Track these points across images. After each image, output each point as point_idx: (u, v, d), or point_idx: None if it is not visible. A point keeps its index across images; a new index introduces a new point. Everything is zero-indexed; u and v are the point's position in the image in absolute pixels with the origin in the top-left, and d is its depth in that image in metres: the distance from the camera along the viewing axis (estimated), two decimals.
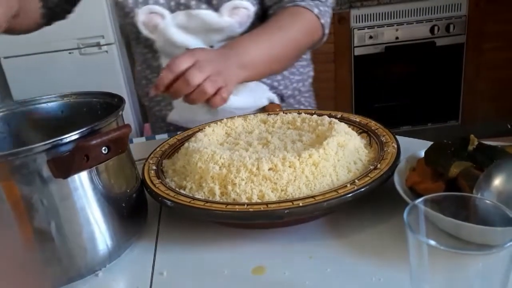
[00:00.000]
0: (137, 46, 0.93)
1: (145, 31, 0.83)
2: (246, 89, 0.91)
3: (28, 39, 2.39)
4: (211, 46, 0.83)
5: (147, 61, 0.93)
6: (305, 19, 0.79)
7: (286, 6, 0.80)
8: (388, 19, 2.35)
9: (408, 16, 2.34)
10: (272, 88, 0.94)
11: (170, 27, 0.82)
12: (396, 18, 2.35)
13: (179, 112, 0.94)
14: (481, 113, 2.54)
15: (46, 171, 0.45)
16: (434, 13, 2.34)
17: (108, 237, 0.52)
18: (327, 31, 0.83)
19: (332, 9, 0.85)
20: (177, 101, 0.93)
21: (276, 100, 0.95)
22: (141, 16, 0.82)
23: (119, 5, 0.83)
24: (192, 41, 0.83)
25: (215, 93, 0.64)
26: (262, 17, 0.86)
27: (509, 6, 2.34)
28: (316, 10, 0.80)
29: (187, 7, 0.81)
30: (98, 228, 0.51)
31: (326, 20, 0.82)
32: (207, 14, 0.81)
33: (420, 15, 2.34)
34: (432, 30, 2.35)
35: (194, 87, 0.62)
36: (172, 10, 0.82)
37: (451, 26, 2.34)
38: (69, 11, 0.95)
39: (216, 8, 0.81)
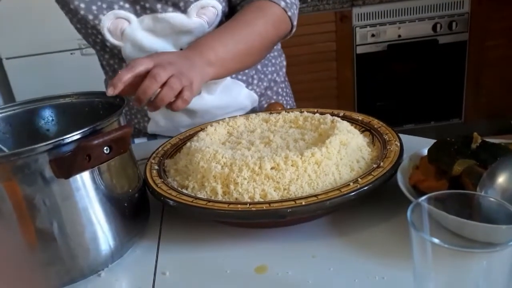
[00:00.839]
0: (103, 56, 0.89)
1: (111, 38, 0.80)
2: (222, 88, 0.89)
3: (30, 40, 2.40)
4: (181, 49, 0.80)
5: (115, 72, 0.89)
6: (271, 12, 0.78)
7: (252, 1, 0.79)
8: (390, 17, 2.34)
9: (410, 14, 2.33)
10: (248, 84, 0.92)
11: (137, 31, 0.79)
12: (398, 16, 2.34)
13: (155, 122, 0.92)
14: (484, 111, 2.53)
15: (48, 171, 0.45)
16: (436, 11, 2.33)
17: (111, 237, 0.52)
18: (295, 22, 0.82)
19: (298, 1, 0.84)
20: (152, 112, 0.90)
21: (254, 95, 0.94)
22: (107, 22, 0.78)
23: (82, 15, 0.78)
24: (161, 44, 0.80)
25: (177, 96, 0.61)
26: (230, 15, 0.84)
27: (511, 3, 2.32)
28: (282, 3, 0.79)
29: (153, 11, 0.78)
30: (101, 228, 0.51)
31: (294, 12, 0.81)
32: (174, 16, 0.78)
33: (422, 13, 2.33)
34: (434, 28, 2.34)
35: (161, 83, 0.58)
36: (138, 15, 0.79)
37: (454, 24, 2.33)
38: None
39: (183, 10, 0.78)
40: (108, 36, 0.80)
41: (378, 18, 2.34)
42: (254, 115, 0.76)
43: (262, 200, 0.53)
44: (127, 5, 0.78)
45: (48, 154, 0.45)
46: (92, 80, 2.28)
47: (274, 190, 0.54)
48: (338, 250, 0.51)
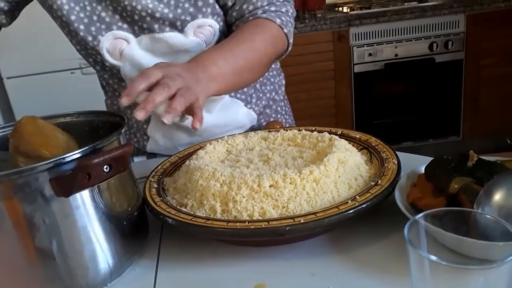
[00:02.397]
0: (103, 76, 0.90)
1: (110, 59, 0.81)
2: (220, 106, 0.89)
3: (30, 59, 2.41)
4: None
5: (116, 91, 0.90)
6: (268, 29, 0.79)
7: (248, 20, 0.80)
8: (387, 36, 2.37)
9: (406, 34, 2.37)
10: (246, 103, 0.93)
11: (136, 51, 0.80)
12: (395, 35, 2.37)
13: (155, 141, 0.93)
14: (482, 129, 2.55)
15: (48, 190, 0.46)
16: (432, 30, 2.36)
17: (110, 256, 0.52)
18: (291, 40, 0.83)
19: (293, 19, 0.85)
20: (151, 130, 0.91)
21: (253, 114, 0.94)
22: (105, 43, 0.79)
23: (81, 36, 0.79)
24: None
25: (188, 112, 0.61)
26: (228, 34, 0.85)
27: (505, 23, 2.36)
28: (278, 21, 0.79)
29: (150, 31, 0.79)
30: (100, 247, 0.51)
31: (289, 30, 0.81)
32: (171, 36, 0.79)
33: (418, 32, 2.37)
34: (431, 47, 2.37)
35: (171, 94, 0.57)
36: (136, 35, 0.80)
37: (450, 43, 2.36)
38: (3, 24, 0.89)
39: (180, 30, 0.79)
40: (107, 56, 0.81)
41: (375, 37, 2.37)
42: (253, 133, 0.76)
43: (261, 218, 0.53)
44: (125, 26, 0.79)
45: (48, 172, 0.45)
46: (93, 99, 2.29)
47: (273, 208, 0.54)
48: (337, 268, 0.51)
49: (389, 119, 2.54)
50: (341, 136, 0.71)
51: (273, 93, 0.98)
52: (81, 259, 0.50)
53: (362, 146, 0.69)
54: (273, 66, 0.98)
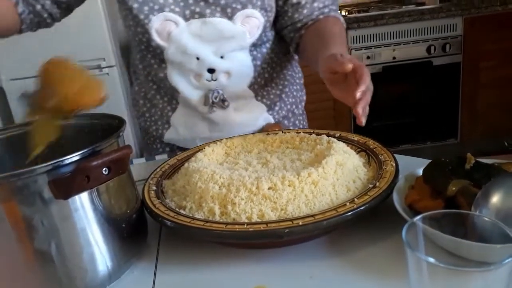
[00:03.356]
0: (143, 59, 0.93)
1: (157, 39, 0.85)
2: (247, 107, 0.93)
3: (29, 61, 2.40)
4: (221, 57, 0.86)
5: (151, 73, 0.93)
6: (341, 25, 0.89)
7: (319, 18, 0.88)
8: (385, 39, 2.38)
9: (404, 37, 2.38)
10: (269, 109, 0.96)
11: (183, 34, 0.84)
12: (393, 38, 2.38)
13: (176, 130, 0.95)
14: (479, 131, 2.55)
15: (47, 192, 0.46)
16: (430, 33, 2.37)
17: (108, 258, 0.52)
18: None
19: None
20: (175, 119, 0.94)
21: (272, 120, 0.97)
22: (156, 23, 0.83)
23: (133, 13, 0.84)
24: (204, 49, 0.85)
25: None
26: (276, 32, 0.92)
27: (503, 26, 2.37)
28: (342, 19, 0.90)
29: (202, 15, 0.83)
30: (98, 249, 0.51)
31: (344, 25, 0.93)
32: (221, 21, 0.84)
33: (416, 35, 2.37)
34: (428, 50, 2.38)
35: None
36: (186, 19, 0.84)
37: (447, 46, 2.37)
38: (57, 18, 0.95)
39: (230, 17, 0.84)
40: (155, 36, 0.84)
41: (373, 40, 2.38)
42: (251, 135, 0.77)
43: (260, 220, 0.53)
44: (177, 9, 0.83)
45: (47, 175, 0.45)
46: None
47: (272, 210, 0.54)
48: (335, 270, 0.51)
49: (387, 122, 2.55)
50: (339, 138, 0.71)
51: (294, 106, 1.01)
52: (79, 261, 0.50)
53: (360, 148, 0.69)
54: (297, 81, 1.04)
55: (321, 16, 0.88)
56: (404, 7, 2.44)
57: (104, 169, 0.47)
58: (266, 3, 0.85)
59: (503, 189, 0.48)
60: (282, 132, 0.76)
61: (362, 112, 0.63)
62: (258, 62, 0.92)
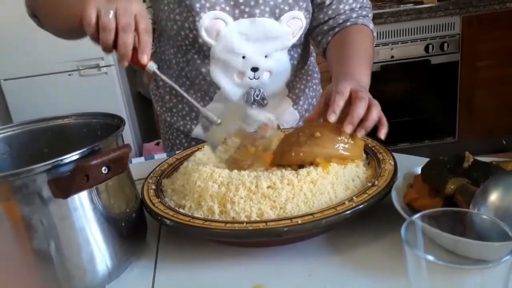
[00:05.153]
0: (181, 54, 0.93)
1: (206, 36, 0.86)
2: (274, 102, 0.95)
3: (27, 61, 2.41)
4: (266, 56, 0.88)
5: (187, 68, 0.93)
6: (368, 34, 0.91)
7: (347, 25, 0.90)
8: (383, 38, 2.38)
9: (402, 35, 2.38)
10: (294, 103, 0.99)
11: (232, 32, 0.86)
12: (391, 37, 2.38)
13: (205, 127, 0.97)
14: (477, 130, 2.56)
15: (46, 191, 0.46)
16: (428, 32, 2.37)
17: (108, 257, 0.52)
18: (375, 41, 0.95)
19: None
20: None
21: (297, 115, 0.99)
22: (206, 20, 0.84)
23: (184, 8, 0.84)
24: (249, 48, 0.87)
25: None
26: (308, 34, 0.95)
27: (500, 25, 2.38)
28: (371, 26, 0.92)
29: (251, 15, 0.85)
30: (98, 248, 0.51)
31: (375, 34, 0.95)
32: (269, 22, 0.86)
33: (414, 34, 2.38)
34: (426, 48, 2.38)
35: (369, 101, 0.65)
36: (235, 18, 0.86)
37: (445, 45, 2.37)
38: None
39: (277, 17, 0.86)
40: (203, 34, 0.85)
41: None
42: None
43: (259, 219, 0.53)
44: (227, 8, 0.85)
45: (46, 174, 0.45)
46: (90, 101, 2.30)
47: (271, 209, 0.54)
48: (334, 268, 0.51)
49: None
50: None
51: (314, 100, 1.04)
52: (79, 260, 0.50)
53: None
54: (315, 75, 1.07)
55: (348, 23, 0.89)
56: (402, 6, 2.44)
57: (103, 168, 0.47)
58: (309, 5, 0.88)
59: (501, 187, 0.48)
60: (281, 131, 0.76)
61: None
62: (295, 62, 0.95)
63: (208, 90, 0.92)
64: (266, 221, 0.52)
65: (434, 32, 2.37)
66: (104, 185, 0.51)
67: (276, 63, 0.90)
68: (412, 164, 0.62)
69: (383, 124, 0.66)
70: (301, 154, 0.60)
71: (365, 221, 0.57)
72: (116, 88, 2.37)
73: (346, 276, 0.50)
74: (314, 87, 1.05)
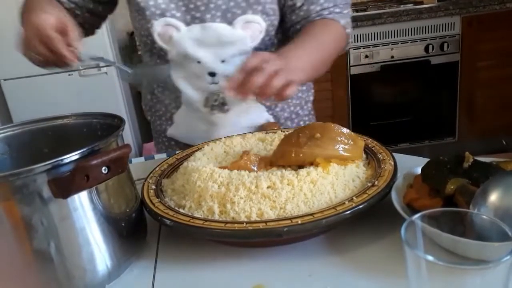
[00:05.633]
0: (150, 58, 0.95)
1: (160, 42, 0.87)
2: (245, 108, 0.93)
3: (27, 61, 2.39)
4: (223, 61, 0.86)
5: None
6: (334, 28, 0.87)
7: (315, 20, 0.86)
8: (383, 38, 2.38)
9: (402, 36, 2.38)
10: (269, 109, 0.96)
11: (184, 39, 0.85)
12: (391, 37, 2.38)
13: (178, 126, 0.97)
14: (477, 130, 2.56)
15: (46, 191, 0.46)
16: (428, 32, 2.37)
17: (108, 257, 0.52)
18: (350, 40, 0.92)
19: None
20: (177, 117, 0.96)
21: (273, 121, 0.96)
22: (157, 27, 0.85)
23: (138, 15, 0.86)
24: (204, 54, 0.86)
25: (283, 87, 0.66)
26: (283, 34, 0.92)
27: (500, 25, 2.38)
28: (342, 21, 0.88)
29: (202, 20, 0.85)
30: (98, 248, 0.51)
31: (350, 30, 0.90)
32: (221, 26, 0.85)
33: (414, 34, 2.38)
34: (426, 49, 2.38)
35: (269, 74, 0.63)
36: (187, 23, 0.85)
37: (445, 45, 2.37)
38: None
39: (230, 22, 0.85)
40: (158, 40, 0.86)
41: (371, 39, 2.38)
42: (250, 134, 0.77)
43: (259, 219, 0.53)
44: (178, 14, 0.85)
45: (46, 174, 0.45)
46: (90, 101, 2.30)
47: (271, 209, 0.54)
48: (334, 269, 0.51)
49: (385, 121, 2.55)
50: None
51: (298, 108, 1.01)
52: (79, 260, 0.50)
53: None
54: None
55: (317, 18, 0.87)
56: (402, 6, 2.44)
57: (103, 168, 0.47)
58: (268, 7, 0.86)
59: (501, 187, 0.48)
60: (281, 131, 0.76)
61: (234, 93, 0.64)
62: None
63: (176, 93, 0.93)
64: (266, 221, 0.52)
65: (434, 32, 2.37)
66: (104, 185, 0.51)
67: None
68: (412, 164, 0.62)
69: (286, 87, 0.64)
70: (301, 155, 0.60)
71: (365, 221, 0.57)
72: (116, 88, 2.37)
73: (346, 276, 0.50)
74: (300, 94, 1.01)
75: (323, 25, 0.86)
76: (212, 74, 0.87)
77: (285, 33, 0.93)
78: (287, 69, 0.65)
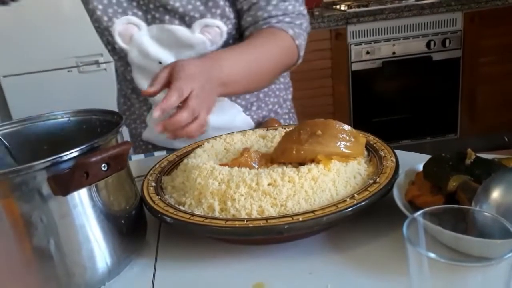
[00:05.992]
0: (114, 58, 0.93)
1: (120, 42, 0.85)
2: (218, 108, 0.88)
3: (26, 57, 2.41)
4: None
5: (123, 74, 0.94)
6: (281, 39, 0.80)
7: (262, 28, 0.81)
8: (384, 34, 2.37)
9: (404, 32, 2.37)
10: (246, 109, 0.94)
11: (144, 37, 0.84)
12: (393, 33, 2.37)
13: (151, 129, 0.96)
14: (479, 127, 2.55)
15: (46, 189, 0.46)
16: (430, 28, 2.36)
17: (108, 255, 0.52)
18: (301, 53, 0.83)
19: (307, 34, 0.85)
20: (150, 119, 0.95)
21: (251, 122, 0.95)
22: (118, 26, 0.83)
23: (97, 14, 0.83)
24: (164, 55, 0.84)
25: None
26: (240, 38, 0.88)
27: (503, 21, 2.37)
28: (291, 32, 0.80)
29: (161, 21, 0.83)
30: (98, 246, 0.51)
31: (301, 42, 0.82)
32: (179, 29, 0.83)
33: (416, 30, 2.37)
34: (428, 45, 2.38)
35: (183, 97, 0.61)
36: (148, 23, 0.84)
37: (447, 41, 2.36)
38: None
39: (188, 25, 0.83)
40: (118, 39, 0.85)
41: (373, 35, 2.37)
42: (251, 131, 0.76)
43: (259, 216, 0.53)
44: (140, 13, 0.83)
45: (46, 171, 0.45)
46: (89, 97, 2.29)
47: (271, 206, 0.54)
48: (335, 267, 0.51)
49: (387, 117, 2.55)
50: None
51: (276, 106, 0.99)
52: (79, 258, 0.49)
53: None
54: (281, 79, 1.00)
55: (265, 26, 0.81)
56: (404, 1, 2.43)
57: (103, 165, 0.47)
58: (228, 11, 0.83)
59: (504, 184, 0.47)
60: (282, 128, 0.76)
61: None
62: None
63: (139, 93, 0.91)
64: (266, 219, 0.51)
65: (435, 28, 2.37)
66: (103, 182, 0.50)
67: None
68: (414, 161, 0.62)
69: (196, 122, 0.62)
70: (302, 152, 0.60)
71: (366, 218, 0.57)
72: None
73: (347, 274, 0.49)
74: (278, 92, 0.99)
75: (268, 34, 0.80)
76: None
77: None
78: (201, 99, 0.62)
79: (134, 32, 0.84)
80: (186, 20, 0.82)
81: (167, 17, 0.82)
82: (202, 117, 0.63)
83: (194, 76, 0.63)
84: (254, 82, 0.78)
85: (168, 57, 0.84)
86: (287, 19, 0.82)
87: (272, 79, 0.84)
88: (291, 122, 1.04)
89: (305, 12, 0.85)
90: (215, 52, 0.73)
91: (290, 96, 1.04)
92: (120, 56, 0.89)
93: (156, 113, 0.59)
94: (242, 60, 0.74)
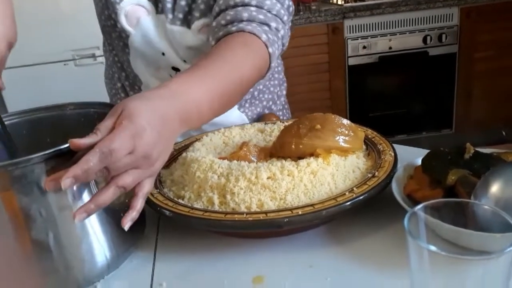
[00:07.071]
0: (109, 38, 0.88)
1: (124, 22, 0.79)
2: None
3: (23, 50, 2.38)
4: (184, 61, 0.82)
5: (118, 55, 0.88)
6: (255, 50, 0.67)
7: (231, 31, 0.69)
8: (381, 29, 2.37)
9: (401, 26, 2.37)
10: (240, 106, 0.93)
11: (152, 25, 0.80)
12: (389, 28, 2.37)
13: None
14: (474, 122, 2.56)
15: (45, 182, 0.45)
16: (426, 23, 2.36)
17: (107, 248, 0.52)
18: (273, 64, 0.70)
19: (283, 44, 0.75)
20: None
21: (245, 118, 0.93)
22: (127, 5, 0.79)
23: None
24: (168, 47, 0.81)
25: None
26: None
27: (499, 16, 2.37)
28: (264, 37, 0.68)
29: (166, 16, 0.80)
30: (97, 239, 0.51)
31: (274, 51, 0.69)
32: (184, 32, 0.80)
33: (412, 25, 2.37)
34: (424, 40, 2.38)
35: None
36: (158, 12, 0.80)
37: (444, 36, 2.36)
38: None
39: (189, 25, 0.80)
40: (122, 18, 0.79)
41: (370, 30, 2.37)
42: (249, 125, 0.76)
43: (259, 210, 0.53)
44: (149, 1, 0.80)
45: (45, 164, 0.45)
46: (86, 90, 2.27)
47: (271, 200, 0.54)
48: (335, 260, 0.51)
49: (383, 112, 2.55)
50: None
51: (270, 102, 0.98)
52: (78, 251, 0.49)
53: None
54: (275, 75, 0.98)
55: (233, 28, 0.69)
56: None
57: None
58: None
59: (502, 178, 0.48)
60: (280, 122, 0.76)
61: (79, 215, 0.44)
62: None
63: (135, 80, 0.88)
64: (266, 212, 0.51)
65: (432, 23, 2.36)
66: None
67: None
68: (412, 156, 0.62)
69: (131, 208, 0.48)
70: (301, 146, 0.60)
71: (365, 212, 0.57)
72: None
73: (346, 267, 0.50)
74: (272, 89, 0.96)
75: (241, 46, 0.67)
76: (176, 69, 0.83)
77: None
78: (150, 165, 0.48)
79: (142, 15, 0.79)
80: (188, 19, 0.79)
81: (170, 16, 0.79)
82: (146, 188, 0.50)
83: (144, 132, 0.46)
84: (222, 107, 0.63)
85: (170, 50, 0.81)
86: (261, 16, 0.70)
87: (239, 99, 0.69)
88: (285, 119, 1.04)
89: (285, 18, 0.74)
90: (178, 78, 0.56)
91: (284, 92, 1.03)
92: (119, 36, 0.83)
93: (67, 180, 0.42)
94: (209, 82, 0.58)
